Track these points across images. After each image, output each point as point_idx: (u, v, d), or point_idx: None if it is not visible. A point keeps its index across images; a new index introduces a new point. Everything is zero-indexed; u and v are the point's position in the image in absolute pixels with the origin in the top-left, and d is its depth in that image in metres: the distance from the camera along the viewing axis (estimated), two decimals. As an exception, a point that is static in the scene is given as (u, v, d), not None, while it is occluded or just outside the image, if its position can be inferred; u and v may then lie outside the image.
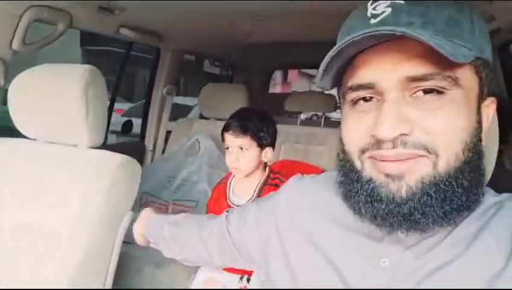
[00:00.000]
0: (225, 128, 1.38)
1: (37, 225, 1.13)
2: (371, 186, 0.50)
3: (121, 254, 1.20)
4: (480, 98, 0.51)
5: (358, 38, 0.45)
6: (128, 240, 1.71)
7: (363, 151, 0.51)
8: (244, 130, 1.33)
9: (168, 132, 2.45)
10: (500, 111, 0.61)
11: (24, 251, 1.11)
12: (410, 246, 0.52)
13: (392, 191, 0.48)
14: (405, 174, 0.47)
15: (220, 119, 2.34)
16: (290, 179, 0.73)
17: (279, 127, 2.15)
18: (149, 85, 2.36)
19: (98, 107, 1.15)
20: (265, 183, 1.37)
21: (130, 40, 1.98)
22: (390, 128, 0.46)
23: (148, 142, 2.37)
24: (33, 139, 1.26)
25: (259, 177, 1.38)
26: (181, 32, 1.98)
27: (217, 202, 1.45)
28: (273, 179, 1.39)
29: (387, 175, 0.49)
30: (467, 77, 0.48)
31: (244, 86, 2.41)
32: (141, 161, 2.32)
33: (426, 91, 0.47)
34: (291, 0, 1.37)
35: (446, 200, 0.47)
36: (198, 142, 2.11)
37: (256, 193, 1.36)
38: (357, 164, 0.52)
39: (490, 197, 0.53)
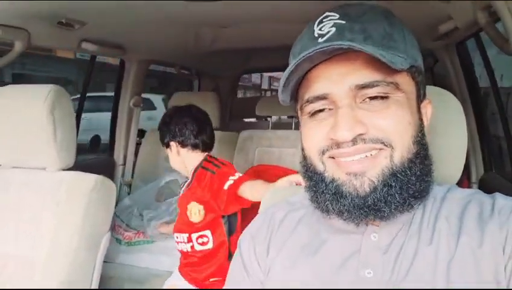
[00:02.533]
0: None
1: (7, 254, 1.08)
2: (334, 185, 0.55)
3: (101, 274, 1.17)
4: (419, 100, 0.58)
5: (312, 53, 0.50)
6: (107, 260, 1.66)
7: (323, 153, 0.56)
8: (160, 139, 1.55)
9: (138, 144, 2.39)
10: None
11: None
12: (384, 248, 0.55)
13: (355, 187, 0.53)
14: (366, 171, 0.53)
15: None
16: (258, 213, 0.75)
17: (252, 132, 2.17)
18: (115, 98, 2.30)
19: (66, 127, 1.11)
20: (198, 167, 1.45)
21: (92, 54, 1.93)
22: (348, 130, 0.51)
23: (118, 157, 2.30)
24: (-3, 165, 1.20)
25: (192, 165, 1.48)
26: (144, 43, 1.94)
27: None
28: (209, 162, 1.44)
29: (348, 173, 0.53)
30: (406, 82, 0.55)
31: (213, 93, 2.39)
32: (111, 176, 2.26)
33: (372, 98, 0.53)
34: (254, 7, 1.38)
35: (404, 188, 0.53)
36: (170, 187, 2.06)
37: (190, 177, 1.46)
38: (319, 166, 0.57)
39: (436, 187, 0.59)
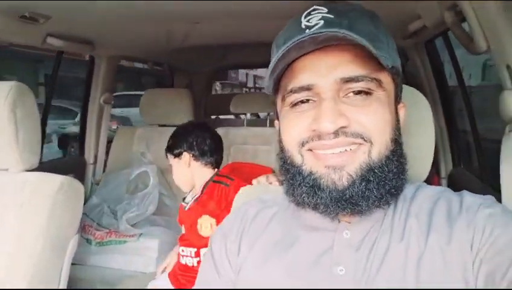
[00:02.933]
0: None
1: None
2: (312, 177, 0.55)
3: (71, 277, 1.13)
4: (396, 101, 0.60)
5: (305, 38, 0.50)
6: (77, 262, 1.61)
7: (302, 144, 0.56)
8: (166, 150, 1.50)
9: (109, 142, 2.33)
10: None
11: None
12: (356, 246, 0.56)
13: (334, 180, 0.53)
14: (345, 165, 0.54)
15: (164, 125, 2.27)
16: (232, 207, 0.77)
17: (226, 130, 2.15)
18: (85, 95, 2.23)
19: (29, 126, 1.06)
20: (210, 180, 1.43)
21: (59, 49, 1.85)
22: (331, 122, 0.52)
23: (89, 156, 2.24)
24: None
25: (204, 178, 1.45)
26: (114, 39, 1.89)
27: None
28: (220, 176, 1.44)
29: (327, 167, 0.54)
30: (388, 81, 0.57)
31: (187, 90, 2.36)
32: (82, 175, 2.19)
33: (356, 92, 0.54)
34: (226, 0, 1.36)
35: (381, 183, 0.54)
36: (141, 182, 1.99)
37: (200, 190, 1.44)
38: (297, 158, 0.57)
39: (406, 185, 0.60)
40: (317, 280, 0.56)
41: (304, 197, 0.56)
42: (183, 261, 1.43)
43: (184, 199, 1.51)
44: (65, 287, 1.10)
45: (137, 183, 2.00)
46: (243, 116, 2.53)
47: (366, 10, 0.58)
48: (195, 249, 1.40)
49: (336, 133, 0.53)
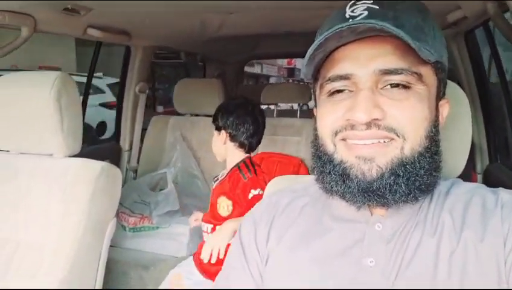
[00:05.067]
0: None
1: (16, 239, 1.10)
2: (342, 167, 0.55)
3: (107, 258, 1.19)
4: (438, 97, 0.58)
5: (344, 28, 0.50)
6: (113, 244, 1.69)
7: (335, 134, 0.56)
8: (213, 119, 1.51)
9: (144, 130, 2.41)
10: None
11: (6, 266, 1.08)
12: (388, 238, 0.56)
13: (363, 171, 0.54)
14: (375, 156, 0.53)
15: (196, 115, 2.32)
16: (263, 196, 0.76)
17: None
18: (120, 84, 2.30)
19: (72, 115, 1.12)
20: (235, 166, 1.45)
21: (98, 40, 1.92)
22: (365, 113, 0.52)
23: (124, 143, 2.31)
24: (5, 151, 1.21)
25: (233, 161, 1.47)
26: (150, 30, 1.93)
27: None
28: (246, 166, 1.44)
29: (358, 157, 0.54)
30: (429, 75, 0.55)
31: (218, 80, 2.39)
32: (118, 162, 2.28)
33: (394, 85, 0.53)
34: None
35: (411, 179, 0.53)
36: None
37: (226, 172, 1.46)
38: (330, 146, 0.57)
39: (441, 181, 0.60)
40: (346, 270, 0.56)
41: (332, 185, 0.57)
42: (204, 237, 1.48)
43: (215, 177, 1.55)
44: (104, 269, 1.16)
45: (160, 181, 2.06)
46: (272, 107, 2.53)
47: (415, 2, 0.57)
48: (212, 226, 1.44)
49: (369, 125, 0.53)
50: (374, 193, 0.53)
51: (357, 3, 0.55)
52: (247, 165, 1.45)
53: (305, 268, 0.59)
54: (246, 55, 3.35)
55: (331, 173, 0.56)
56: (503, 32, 0.96)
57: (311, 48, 0.53)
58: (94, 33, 1.66)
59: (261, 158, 2.03)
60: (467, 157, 0.71)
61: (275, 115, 2.37)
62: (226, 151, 1.47)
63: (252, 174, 1.40)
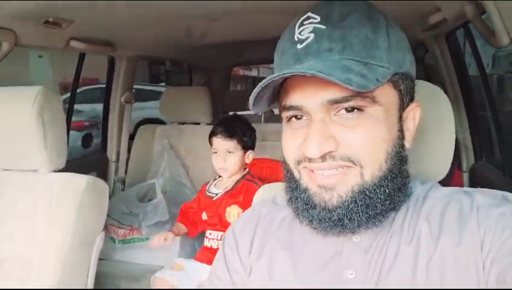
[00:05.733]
0: (213, 133, 1.53)
1: (3, 255, 1.08)
2: (306, 194, 0.56)
3: (97, 272, 1.18)
4: (401, 108, 0.56)
5: (276, 78, 0.51)
6: (103, 257, 1.67)
7: (298, 163, 0.56)
8: (231, 134, 1.49)
9: (131, 140, 2.39)
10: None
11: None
12: (366, 249, 0.56)
13: (324, 199, 0.54)
14: (336, 185, 0.53)
15: (183, 123, 2.31)
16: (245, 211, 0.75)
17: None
18: (106, 94, 2.28)
19: (56, 129, 1.11)
20: (242, 177, 1.54)
21: (81, 51, 1.91)
22: (317, 148, 0.51)
23: (111, 154, 2.29)
24: (-12, 168, 1.19)
25: (238, 174, 1.56)
26: (134, 39, 1.92)
27: (197, 199, 1.65)
28: (253, 177, 1.56)
29: (319, 186, 0.54)
30: (385, 93, 0.53)
31: (204, 88, 2.38)
32: (105, 173, 2.25)
33: (348, 110, 0.52)
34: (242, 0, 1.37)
35: (370, 206, 0.53)
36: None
37: (232, 184, 1.53)
38: (295, 173, 0.58)
39: (419, 187, 0.60)
40: (327, 283, 0.56)
41: (299, 212, 0.57)
42: (208, 244, 1.55)
43: (206, 189, 1.61)
44: (93, 283, 1.15)
45: (147, 193, 2.05)
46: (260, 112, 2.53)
47: (365, 9, 0.54)
48: (222, 233, 1.51)
49: (324, 157, 0.52)
50: (334, 222, 0.53)
51: (305, 23, 0.53)
52: (252, 176, 1.56)
53: (286, 282, 0.59)
54: (231, 62, 3.35)
55: (298, 199, 0.57)
56: (481, 33, 0.98)
57: (253, 92, 0.53)
58: (77, 45, 1.64)
59: (251, 164, 2.03)
60: (451, 160, 0.71)
61: (262, 121, 2.37)
62: (240, 167, 1.54)
63: (261, 183, 1.50)
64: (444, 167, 0.72)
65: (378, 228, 0.57)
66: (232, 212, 1.49)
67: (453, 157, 0.72)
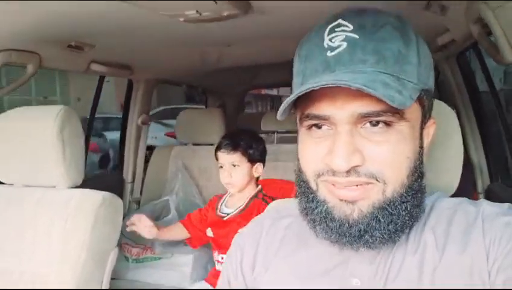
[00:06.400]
0: (217, 148, 1.50)
1: (19, 270, 1.11)
2: (325, 207, 0.54)
3: (111, 290, 1.19)
4: (423, 124, 0.56)
5: (316, 87, 0.48)
6: (117, 277, 1.68)
7: (318, 176, 0.54)
8: (234, 147, 1.45)
9: (147, 162, 2.43)
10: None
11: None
12: (371, 259, 0.56)
13: (346, 213, 0.53)
14: (358, 200, 0.52)
15: (198, 144, 2.35)
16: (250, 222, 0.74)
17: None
18: (123, 116, 2.36)
19: (74, 147, 1.15)
20: (255, 196, 1.48)
21: (101, 74, 1.99)
22: (344, 161, 0.50)
23: (127, 174, 2.34)
24: (9, 184, 1.24)
25: (250, 191, 1.49)
26: (151, 63, 2.00)
27: (206, 213, 1.58)
28: (264, 195, 1.50)
29: (341, 199, 0.53)
30: (412, 110, 0.53)
31: (219, 110, 2.43)
32: (120, 193, 2.29)
33: (374, 123, 0.51)
34: (256, 26, 1.42)
35: (392, 223, 0.52)
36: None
37: (245, 203, 1.47)
38: (313, 185, 0.56)
39: (425, 197, 0.59)
40: None
41: (316, 225, 0.56)
42: (219, 267, 1.49)
43: (217, 208, 1.54)
44: (106, 299, 1.16)
45: (163, 209, 2.07)
46: (273, 134, 2.56)
47: (398, 21, 0.53)
48: None
49: (349, 172, 0.51)
50: (354, 237, 0.52)
51: (336, 30, 0.52)
52: (264, 194, 1.50)
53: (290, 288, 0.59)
54: (245, 86, 3.42)
55: (315, 212, 0.56)
56: (488, 52, 1.00)
57: (284, 103, 0.51)
58: (97, 68, 1.72)
59: (263, 185, 2.04)
60: (459, 176, 0.71)
61: (275, 142, 2.40)
62: (248, 184, 1.49)
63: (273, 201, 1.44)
64: (452, 182, 0.72)
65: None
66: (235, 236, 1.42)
67: (467, 181, 0.72)
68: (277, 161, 2.12)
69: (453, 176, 0.72)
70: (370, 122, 0.51)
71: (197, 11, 1.13)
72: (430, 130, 0.59)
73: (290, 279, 0.60)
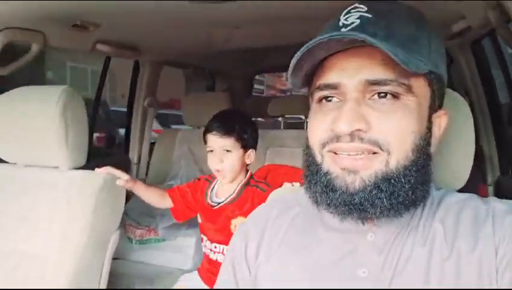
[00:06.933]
0: (208, 129, 1.35)
1: (21, 250, 1.11)
2: (327, 178, 0.55)
3: (111, 271, 1.19)
4: (432, 109, 0.57)
5: (325, 40, 0.50)
6: (120, 257, 1.68)
7: (323, 145, 0.56)
8: (228, 131, 1.31)
9: (152, 144, 2.43)
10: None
11: (10, 278, 1.09)
12: (380, 248, 0.56)
13: (346, 182, 0.53)
14: (360, 169, 0.53)
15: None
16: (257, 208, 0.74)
17: (263, 132, 2.17)
18: (129, 98, 2.34)
19: (77, 128, 1.14)
20: (247, 184, 1.36)
21: (107, 55, 1.97)
22: (347, 124, 0.51)
23: (133, 155, 2.34)
24: (12, 163, 1.24)
25: (241, 178, 1.37)
26: (158, 44, 1.97)
27: (194, 195, 1.43)
28: (256, 181, 1.38)
29: (343, 168, 0.54)
30: (420, 86, 0.54)
31: (225, 93, 2.41)
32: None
33: (382, 95, 0.53)
34: (266, 7, 1.38)
35: (394, 194, 0.52)
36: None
37: (236, 192, 1.35)
38: (318, 157, 0.57)
39: (434, 191, 0.60)
40: (339, 281, 0.56)
41: (317, 195, 0.56)
42: (213, 257, 1.41)
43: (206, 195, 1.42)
44: (106, 281, 1.17)
45: None
46: (280, 119, 2.54)
47: (411, 10, 0.57)
48: (227, 247, 1.38)
49: (353, 137, 0.52)
50: (355, 205, 0.53)
51: (352, 11, 0.55)
52: (256, 181, 1.39)
53: (296, 280, 0.59)
54: (254, 68, 3.38)
55: (318, 183, 0.56)
56: (505, 41, 0.96)
57: (295, 56, 0.53)
58: (103, 48, 1.70)
59: (267, 170, 2.02)
60: (470, 169, 0.69)
61: (282, 127, 2.38)
62: (241, 169, 1.37)
63: (270, 187, 1.35)
64: (462, 175, 0.70)
65: (393, 228, 0.56)
66: (239, 223, 1.28)
67: (477, 172, 0.70)
68: (283, 146, 2.11)
69: (464, 169, 0.69)
70: (378, 94, 0.52)
71: (202, -9, 1.09)
72: (442, 121, 0.59)
73: (295, 269, 0.60)
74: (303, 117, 2.67)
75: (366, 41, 0.48)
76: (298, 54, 0.53)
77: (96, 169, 1.19)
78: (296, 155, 2.07)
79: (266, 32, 1.90)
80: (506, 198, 0.58)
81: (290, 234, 0.64)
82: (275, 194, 0.88)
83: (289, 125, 2.57)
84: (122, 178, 1.22)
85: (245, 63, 2.97)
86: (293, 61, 0.54)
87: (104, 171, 1.18)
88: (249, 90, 3.77)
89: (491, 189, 1.70)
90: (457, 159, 0.69)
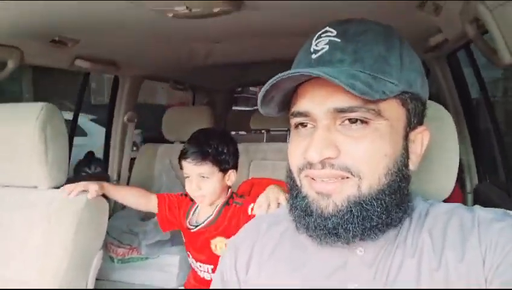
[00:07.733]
0: (182, 156, 1.28)
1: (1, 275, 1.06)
2: (305, 202, 0.56)
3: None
4: (409, 127, 0.57)
5: (284, 76, 0.51)
6: (101, 277, 1.62)
7: (300, 171, 0.57)
8: (204, 157, 1.24)
9: (132, 159, 2.38)
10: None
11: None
12: (370, 262, 0.56)
13: (321, 206, 0.54)
14: (332, 193, 0.54)
15: (185, 142, 2.31)
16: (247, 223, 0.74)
17: (246, 145, 2.17)
18: (109, 113, 2.30)
19: (57, 146, 1.10)
20: (225, 203, 1.32)
21: (86, 71, 1.93)
22: (317, 152, 0.52)
23: (112, 172, 2.29)
24: (-12, 184, 1.19)
25: (221, 199, 1.32)
26: (137, 59, 1.95)
27: (174, 209, 1.39)
28: (235, 198, 1.34)
29: (318, 193, 0.55)
30: (392, 109, 0.54)
31: (207, 107, 2.40)
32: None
33: (352, 121, 0.53)
34: (245, 23, 1.39)
35: (366, 218, 0.53)
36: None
37: (214, 214, 1.31)
38: (297, 181, 0.58)
39: (421, 203, 0.60)
40: None
41: (296, 220, 0.58)
42: (201, 274, 1.39)
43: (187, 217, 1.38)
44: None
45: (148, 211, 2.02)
46: (263, 132, 2.55)
47: (383, 28, 0.57)
48: (212, 266, 1.35)
49: (323, 164, 0.53)
50: (329, 230, 0.53)
51: (322, 35, 0.56)
52: (233, 197, 1.34)
53: None
54: (234, 83, 3.38)
55: (297, 207, 0.57)
56: (483, 53, 0.99)
57: (263, 88, 0.54)
58: (82, 64, 1.66)
59: (251, 184, 2.01)
60: (455, 179, 0.71)
61: (264, 140, 2.38)
62: (222, 192, 1.32)
63: (245, 198, 1.33)
64: (447, 186, 0.71)
65: (381, 242, 0.56)
66: (219, 244, 1.30)
67: (456, 180, 0.71)
68: (265, 159, 2.10)
69: (449, 179, 0.71)
70: (349, 120, 0.53)
71: (186, 7, 1.09)
72: (424, 137, 0.59)
73: (286, 283, 0.59)
74: (287, 129, 2.69)
75: (321, 76, 0.49)
76: (265, 88, 0.54)
77: (62, 188, 1.13)
78: (279, 168, 2.07)
79: (246, 47, 1.91)
80: (485, 205, 0.60)
81: (280, 248, 0.64)
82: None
83: (272, 138, 2.57)
84: (90, 190, 1.14)
85: (225, 77, 2.98)
86: (260, 94, 0.55)
87: (67, 191, 1.12)
88: (230, 104, 3.77)
89: (470, 197, 1.75)
90: (442, 171, 0.70)
